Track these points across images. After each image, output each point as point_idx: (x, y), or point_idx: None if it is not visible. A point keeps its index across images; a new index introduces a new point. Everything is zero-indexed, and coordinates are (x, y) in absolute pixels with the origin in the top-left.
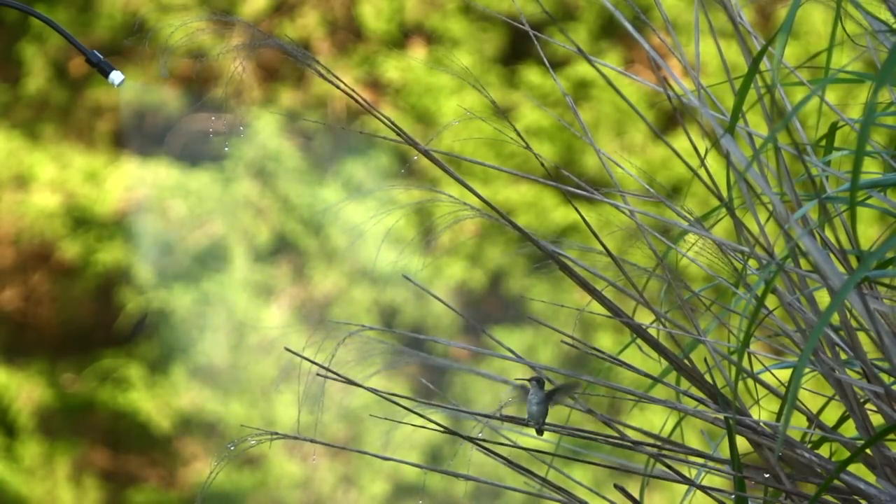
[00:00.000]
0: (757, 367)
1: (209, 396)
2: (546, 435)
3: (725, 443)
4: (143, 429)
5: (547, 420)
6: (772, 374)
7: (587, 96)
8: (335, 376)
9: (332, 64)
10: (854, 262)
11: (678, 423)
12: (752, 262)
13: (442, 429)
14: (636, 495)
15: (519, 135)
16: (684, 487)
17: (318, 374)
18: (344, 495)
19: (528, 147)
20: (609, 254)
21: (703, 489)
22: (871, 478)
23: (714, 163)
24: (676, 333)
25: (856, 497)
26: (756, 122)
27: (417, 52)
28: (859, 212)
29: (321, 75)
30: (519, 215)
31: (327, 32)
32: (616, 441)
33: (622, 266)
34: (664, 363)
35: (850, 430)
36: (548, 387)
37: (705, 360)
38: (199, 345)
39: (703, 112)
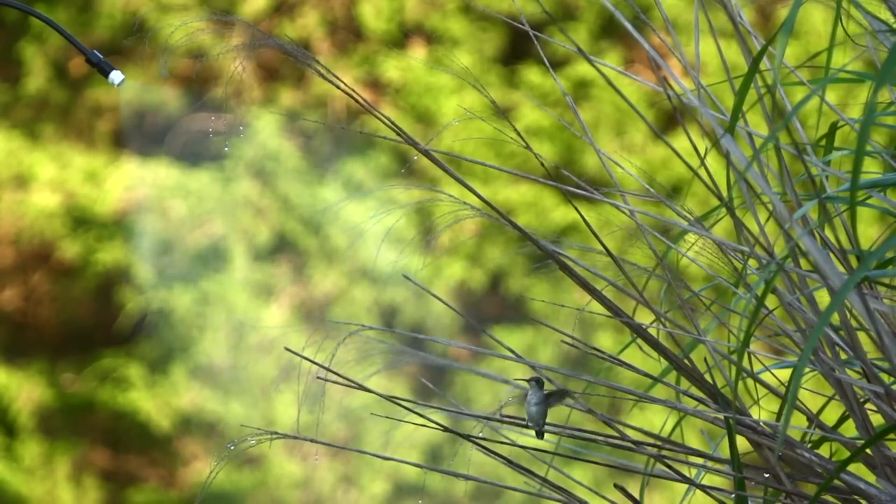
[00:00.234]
0: (757, 367)
1: (209, 396)
2: (546, 434)
3: (725, 443)
4: (143, 429)
5: (547, 420)
6: (772, 373)
7: (587, 96)
8: (335, 378)
9: (332, 64)
10: (854, 262)
11: (678, 423)
12: (752, 262)
13: (442, 428)
14: (636, 495)
15: (519, 134)
16: (684, 487)
17: (318, 378)
18: (344, 495)
19: (528, 147)
20: (609, 254)
21: (703, 489)
22: (871, 478)
23: (714, 163)
24: (676, 333)
25: (856, 497)
26: (756, 122)
27: (417, 52)
28: (859, 212)
29: (321, 75)
30: (519, 215)
31: (327, 32)
32: (616, 441)
33: (622, 266)
34: (664, 363)
35: (850, 429)
36: (548, 386)
37: (705, 359)
38: (199, 344)
39: (703, 112)
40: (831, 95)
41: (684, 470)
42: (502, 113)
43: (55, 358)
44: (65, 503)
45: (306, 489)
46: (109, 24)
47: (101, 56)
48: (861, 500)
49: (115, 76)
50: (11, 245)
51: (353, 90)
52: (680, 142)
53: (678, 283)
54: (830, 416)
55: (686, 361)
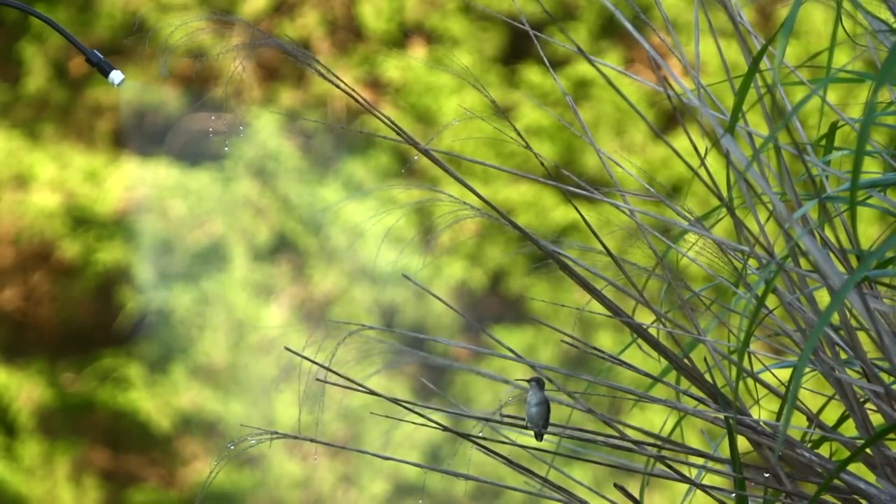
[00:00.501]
0: (757, 367)
1: (209, 396)
2: (546, 434)
3: (725, 442)
4: (142, 428)
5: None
6: (772, 373)
7: (587, 96)
8: (335, 380)
9: (332, 63)
10: (854, 262)
11: (678, 423)
12: (752, 262)
13: (442, 428)
14: (636, 495)
15: (519, 134)
16: (684, 487)
17: (317, 380)
18: (344, 495)
19: (528, 146)
20: (609, 253)
21: (704, 488)
22: (871, 477)
23: (714, 162)
24: (676, 333)
25: (856, 497)
26: (756, 122)
27: (417, 52)
28: (859, 211)
29: (321, 75)
30: (519, 215)
31: (327, 32)
32: (616, 441)
33: (622, 266)
34: (664, 363)
35: (850, 429)
36: (549, 386)
37: (705, 359)
38: (199, 344)
39: (703, 112)
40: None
41: (684, 470)
42: (502, 113)
43: (55, 358)
44: (65, 503)
45: (306, 489)
46: (109, 24)
47: (101, 56)
48: (861, 500)
49: (115, 76)
50: (11, 245)
51: (353, 90)
52: (680, 142)
53: (678, 283)
54: (830, 415)
55: (686, 361)
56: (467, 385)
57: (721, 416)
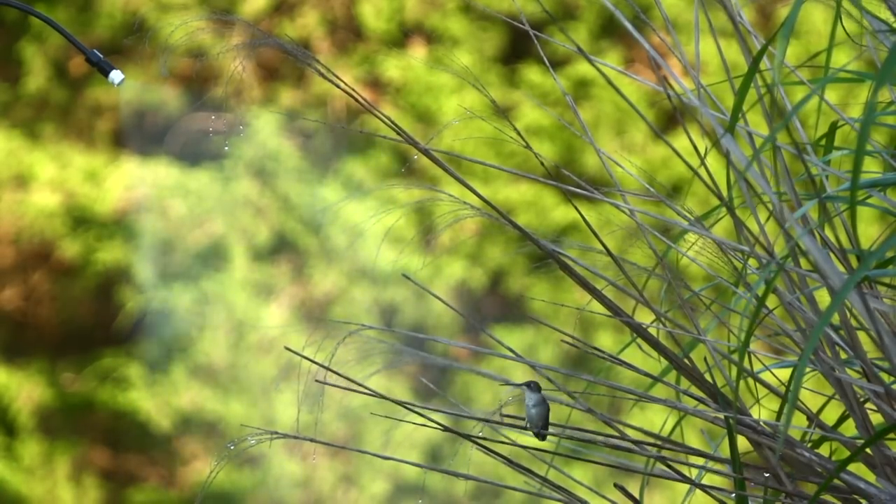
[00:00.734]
0: (757, 367)
1: (209, 396)
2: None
3: (725, 442)
4: (142, 428)
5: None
6: (772, 373)
7: (587, 95)
8: (334, 380)
9: (332, 63)
10: (854, 262)
11: (678, 423)
12: (752, 262)
13: (442, 428)
14: (636, 495)
15: (519, 134)
16: (684, 487)
17: (317, 381)
18: (344, 495)
19: (528, 146)
20: (609, 253)
21: (704, 489)
22: (871, 477)
23: (714, 162)
24: (676, 333)
25: (856, 497)
26: (756, 122)
27: (417, 52)
28: (859, 211)
29: (321, 74)
30: (519, 214)
31: (327, 32)
32: (616, 441)
33: (622, 265)
34: (664, 362)
35: (850, 429)
36: (549, 386)
37: (705, 359)
38: (199, 344)
39: (703, 111)
40: (831, 95)
41: (684, 470)
42: (502, 112)
43: (55, 357)
44: (65, 503)
45: (306, 489)
46: (109, 24)
47: (101, 55)
48: (861, 500)
49: (115, 76)
50: (11, 245)
51: (353, 89)
52: (680, 141)
53: (678, 283)
54: (830, 415)
55: (686, 361)
56: (467, 385)
57: (721, 415)
